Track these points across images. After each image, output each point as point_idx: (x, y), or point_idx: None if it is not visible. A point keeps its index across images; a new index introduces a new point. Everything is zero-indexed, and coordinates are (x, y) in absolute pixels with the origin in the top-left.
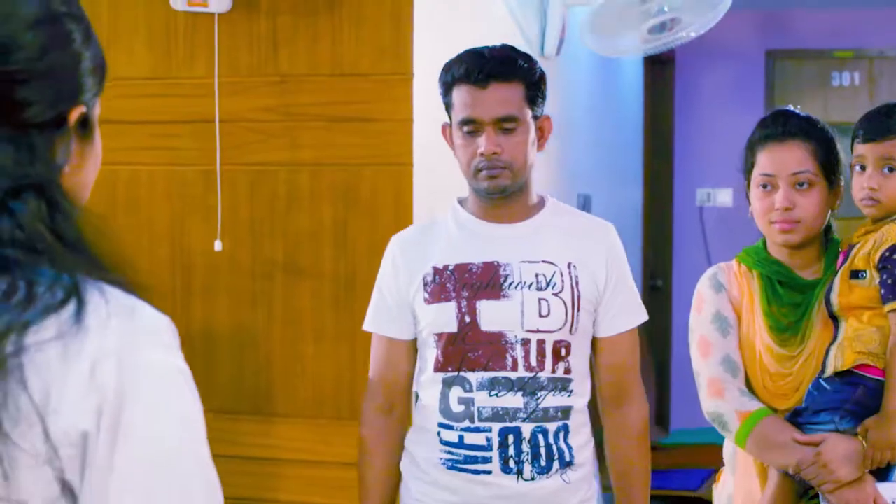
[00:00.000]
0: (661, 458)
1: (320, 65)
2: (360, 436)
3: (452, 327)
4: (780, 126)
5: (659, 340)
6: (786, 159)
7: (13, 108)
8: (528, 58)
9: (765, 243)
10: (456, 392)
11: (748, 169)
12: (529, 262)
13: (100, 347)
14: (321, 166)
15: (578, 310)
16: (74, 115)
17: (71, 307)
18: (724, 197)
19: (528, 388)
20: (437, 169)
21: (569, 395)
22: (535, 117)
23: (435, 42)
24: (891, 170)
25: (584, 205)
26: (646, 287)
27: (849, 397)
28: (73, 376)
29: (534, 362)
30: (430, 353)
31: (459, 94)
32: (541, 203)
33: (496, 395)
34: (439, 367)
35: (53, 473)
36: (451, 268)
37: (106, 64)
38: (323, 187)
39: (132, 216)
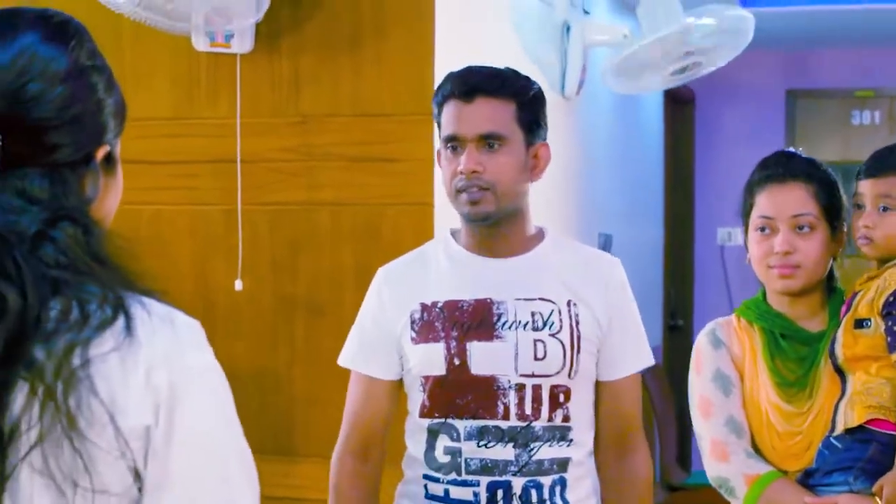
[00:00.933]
0: (683, 499)
1: (342, 105)
2: (332, 484)
3: (440, 370)
4: (780, 167)
5: (679, 379)
6: (786, 201)
7: (46, 151)
8: (524, 78)
9: (764, 295)
10: (443, 441)
11: (746, 212)
12: (525, 299)
13: (151, 356)
14: (342, 206)
15: (579, 351)
16: (100, 153)
17: (121, 321)
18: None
19: (521, 438)
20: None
21: (567, 445)
22: (530, 143)
23: None
24: (885, 209)
25: (605, 244)
26: (667, 326)
27: (862, 455)
28: (133, 381)
29: (528, 410)
30: (416, 397)
31: (447, 110)
32: (539, 235)
33: (485, 445)
34: (425, 413)
35: (126, 464)
36: (440, 304)
37: (126, 105)
38: (344, 227)
39: (154, 255)
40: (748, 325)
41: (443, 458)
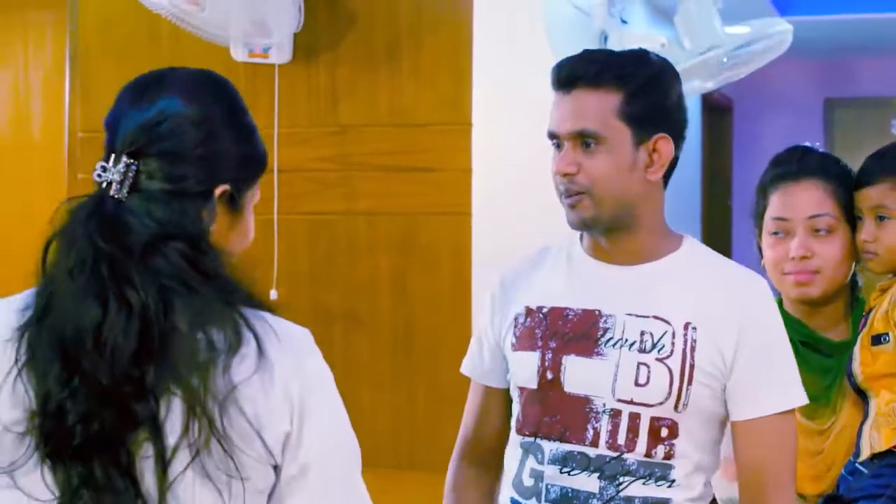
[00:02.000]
0: None
1: (379, 115)
2: (445, 491)
3: (532, 383)
4: (794, 164)
5: None
6: (801, 201)
7: (171, 180)
8: (641, 61)
9: (781, 301)
10: (530, 462)
11: (759, 213)
12: (637, 315)
13: (283, 372)
14: (379, 215)
15: (690, 383)
16: (218, 191)
17: (253, 344)
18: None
19: (609, 470)
20: (496, 218)
21: (669, 486)
22: (641, 138)
23: (494, 92)
24: (882, 218)
25: None
26: None
27: (891, 482)
28: (272, 398)
29: (621, 440)
30: (515, 410)
31: (553, 100)
32: (673, 244)
33: (568, 472)
34: (519, 429)
35: (271, 464)
36: (545, 310)
37: (260, 160)
38: (380, 236)
39: None
40: None
41: (528, 482)
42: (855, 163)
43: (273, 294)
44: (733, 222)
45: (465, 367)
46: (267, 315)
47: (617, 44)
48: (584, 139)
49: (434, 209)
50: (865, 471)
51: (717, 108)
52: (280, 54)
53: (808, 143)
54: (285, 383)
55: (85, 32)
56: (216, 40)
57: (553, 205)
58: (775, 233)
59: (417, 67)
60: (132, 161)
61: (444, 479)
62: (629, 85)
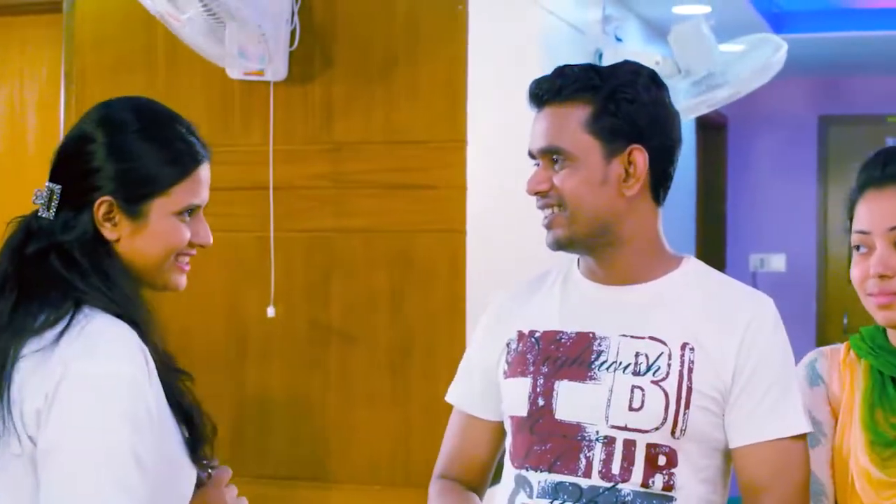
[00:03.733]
0: None
1: (374, 132)
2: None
3: (523, 410)
4: (878, 169)
5: None
6: (883, 210)
7: (61, 196)
8: (611, 71)
9: (885, 331)
10: (520, 497)
11: (848, 229)
12: (632, 336)
13: (59, 359)
14: (374, 233)
15: (687, 407)
16: (98, 203)
17: (59, 329)
18: (777, 263)
19: (602, 501)
20: (492, 236)
21: None
22: (613, 152)
23: (489, 109)
24: None
25: None
26: None
27: None
28: (37, 378)
29: (615, 469)
30: (508, 440)
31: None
32: (671, 263)
33: None
34: (511, 460)
35: (26, 434)
36: (537, 334)
37: (143, 176)
38: (377, 254)
39: (187, 281)
40: (856, 360)
41: None
42: (849, 179)
43: (270, 311)
44: (727, 240)
45: (451, 396)
46: (109, 318)
47: (611, 61)
48: (553, 156)
49: (429, 226)
50: None
51: (711, 125)
52: (275, 71)
53: None
54: (53, 368)
55: (81, 49)
56: (213, 58)
57: None
58: (857, 247)
59: (412, 85)
60: (52, 183)
61: None
62: (597, 97)
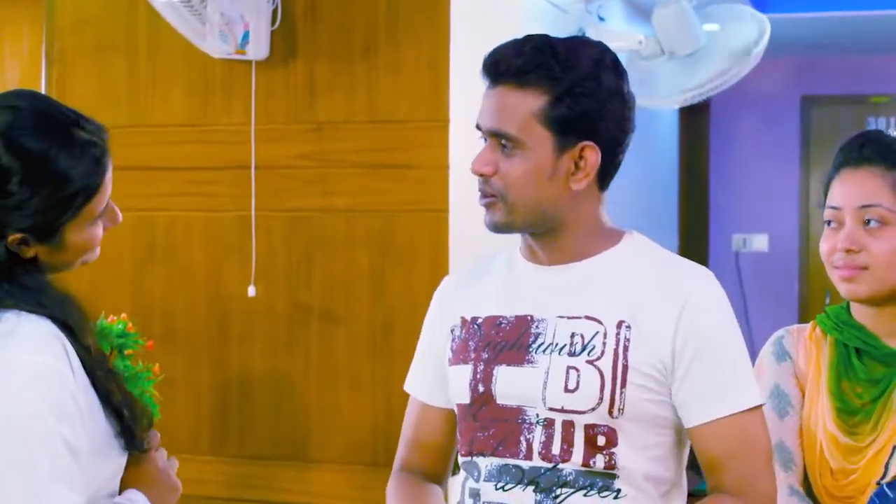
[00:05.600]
0: None
1: (357, 112)
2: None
3: (465, 397)
4: (856, 150)
5: None
6: (855, 189)
7: None
8: (577, 56)
9: (849, 303)
10: (469, 482)
11: (822, 205)
12: (568, 317)
13: None
14: (357, 213)
15: (623, 385)
16: (12, 238)
17: None
18: (759, 243)
19: (544, 482)
20: (474, 216)
21: (614, 497)
22: (564, 146)
23: (471, 89)
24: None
25: None
26: None
27: None
28: None
29: (555, 450)
30: (457, 429)
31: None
32: (612, 239)
33: (503, 488)
34: (459, 447)
35: None
36: (479, 321)
37: (51, 207)
38: (358, 234)
39: (169, 261)
40: (821, 337)
41: (467, 502)
42: (831, 160)
43: (251, 291)
44: (710, 220)
45: (407, 385)
46: (35, 318)
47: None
48: (501, 140)
49: (411, 206)
50: (891, 495)
51: (693, 106)
52: (257, 51)
53: (880, 129)
54: None
55: (61, 29)
56: (194, 39)
57: None
58: (828, 222)
59: (395, 64)
60: None
61: None
62: (557, 88)
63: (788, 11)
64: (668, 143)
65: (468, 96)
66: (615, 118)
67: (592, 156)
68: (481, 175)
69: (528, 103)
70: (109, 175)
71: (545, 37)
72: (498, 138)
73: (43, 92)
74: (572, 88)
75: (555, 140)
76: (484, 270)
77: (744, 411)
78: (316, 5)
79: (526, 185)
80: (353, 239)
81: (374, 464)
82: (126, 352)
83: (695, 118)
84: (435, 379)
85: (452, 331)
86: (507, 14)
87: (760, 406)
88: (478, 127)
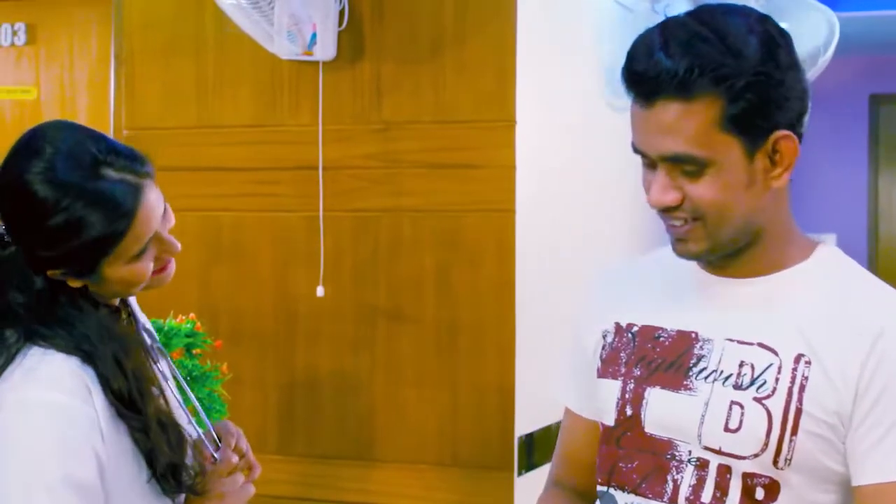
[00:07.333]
0: None
1: (423, 112)
2: None
3: (610, 418)
4: None
5: None
6: None
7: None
8: (739, 41)
9: None
10: None
11: None
12: (739, 341)
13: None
14: (423, 213)
15: (794, 432)
16: (51, 273)
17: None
18: (828, 243)
19: None
20: (541, 216)
21: None
22: (756, 145)
23: (538, 89)
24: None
25: None
26: None
27: None
28: None
29: (705, 498)
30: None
31: (631, 110)
32: (802, 252)
33: None
34: (597, 473)
35: None
36: (635, 329)
37: (84, 248)
38: (425, 234)
39: (236, 262)
40: None
41: None
42: None
43: (320, 291)
44: None
45: (555, 389)
46: (58, 356)
47: None
48: (682, 166)
49: (478, 206)
50: None
51: None
52: (324, 51)
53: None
54: None
55: (130, 30)
56: (262, 40)
57: (597, 201)
58: None
59: (461, 64)
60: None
61: (487, 475)
62: (733, 86)
63: (858, 10)
64: None
65: (535, 96)
66: (797, 94)
67: (788, 145)
68: (668, 210)
69: (703, 114)
70: (149, 208)
71: (688, 24)
72: (676, 163)
73: (112, 93)
74: (750, 81)
75: (742, 143)
76: (642, 269)
77: None
78: (383, 5)
79: (725, 204)
80: (420, 239)
81: (440, 463)
82: (194, 351)
83: None
84: (582, 387)
85: (605, 336)
86: (574, 13)
87: None
88: (636, 150)
